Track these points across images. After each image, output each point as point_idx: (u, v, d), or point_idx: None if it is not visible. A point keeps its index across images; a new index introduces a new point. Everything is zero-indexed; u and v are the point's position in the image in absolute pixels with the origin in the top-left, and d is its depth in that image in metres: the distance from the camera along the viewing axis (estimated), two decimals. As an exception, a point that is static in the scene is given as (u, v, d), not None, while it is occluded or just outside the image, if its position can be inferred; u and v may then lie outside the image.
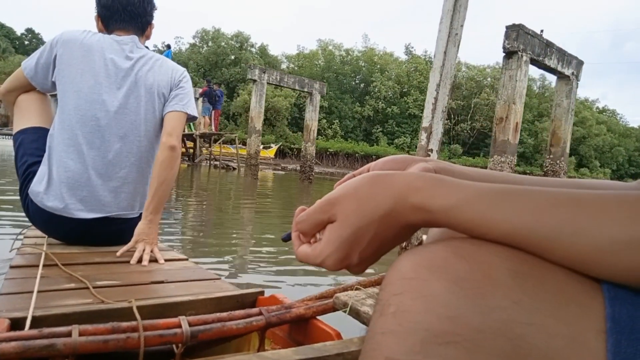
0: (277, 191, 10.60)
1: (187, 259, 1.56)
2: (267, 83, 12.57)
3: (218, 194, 8.46)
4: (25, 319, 0.84)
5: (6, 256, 1.81)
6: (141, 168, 1.60)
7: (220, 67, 35.65)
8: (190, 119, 1.66)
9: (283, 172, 19.87)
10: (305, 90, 13.55)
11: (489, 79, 38.10)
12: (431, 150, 1.29)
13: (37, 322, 0.84)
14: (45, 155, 1.52)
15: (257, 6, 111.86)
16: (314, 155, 13.99)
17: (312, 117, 13.70)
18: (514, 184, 0.50)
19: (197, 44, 38.45)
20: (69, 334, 0.73)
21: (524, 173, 34.42)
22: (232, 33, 38.00)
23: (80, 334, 0.73)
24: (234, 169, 15.88)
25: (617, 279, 0.31)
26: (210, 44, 37.54)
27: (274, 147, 24.97)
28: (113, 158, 1.53)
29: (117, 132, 1.53)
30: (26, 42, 56.25)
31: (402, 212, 0.37)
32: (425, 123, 1.31)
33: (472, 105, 36.51)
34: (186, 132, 15.62)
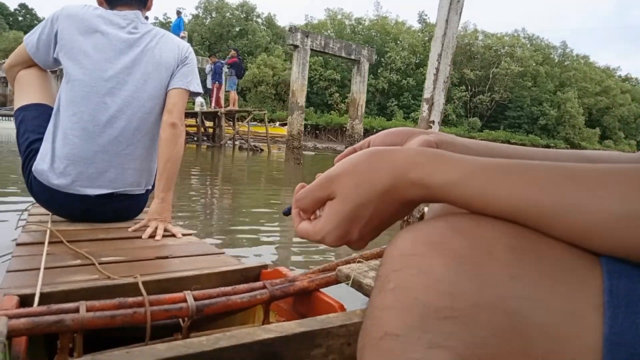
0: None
1: (191, 234, 1.60)
2: (311, 49, 10.93)
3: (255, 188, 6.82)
4: (33, 295, 0.88)
5: (11, 234, 1.87)
6: (147, 145, 1.63)
7: (225, 39, 35.39)
8: (194, 94, 1.68)
9: (314, 153, 18.36)
10: (352, 57, 11.91)
11: (506, 48, 37.22)
12: (433, 122, 1.29)
13: (45, 298, 0.89)
14: (49, 131, 1.55)
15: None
16: (362, 134, 12.38)
17: (359, 90, 12.05)
18: (517, 158, 0.51)
19: (201, 15, 38.08)
20: (76, 310, 0.76)
21: (546, 147, 34.01)
22: (236, 3, 37.53)
23: (88, 310, 0.77)
24: (262, 150, 14.79)
25: (615, 253, 0.32)
26: (214, 14, 37.19)
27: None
28: (119, 134, 1.56)
29: (123, 108, 1.55)
30: (20, 18, 56.30)
31: (401, 188, 0.38)
32: (426, 94, 1.31)
33: (491, 76, 35.85)
34: (205, 109, 14.98)
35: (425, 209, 1.04)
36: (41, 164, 1.53)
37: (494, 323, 0.31)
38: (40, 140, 1.56)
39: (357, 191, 0.40)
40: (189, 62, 1.66)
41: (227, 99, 15.23)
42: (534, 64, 36.81)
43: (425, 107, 1.35)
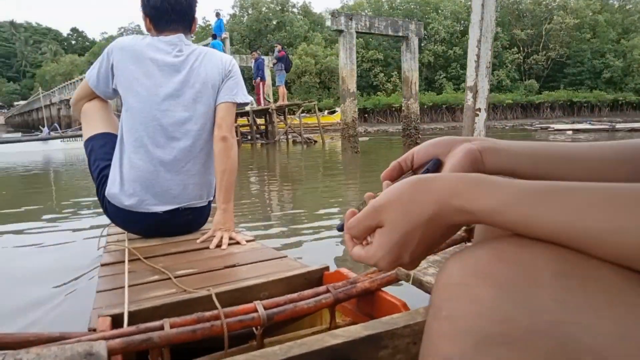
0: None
1: (254, 240, 1.69)
2: (356, 32, 10.47)
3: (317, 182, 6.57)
4: (122, 314, 0.98)
5: (95, 254, 2.05)
6: (203, 160, 1.74)
7: (264, 34, 35.76)
8: (241, 105, 1.76)
9: (367, 138, 17.82)
10: (400, 34, 11.36)
11: (558, 0, 34.88)
12: (479, 110, 1.27)
13: (132, 316, 0.98)
14: (116, 157, 1.69)
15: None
16: (419, 113, 12.05)
17: (411, 67, 11.48)
18: (562, 157, 0.51)
19: (237, 13, 38.68)
20: (161, 327, 0.85)
21: (615, 101, 31.67)
22: (271, -4, 37.73)
23: (171, 327, 0.85)
24: (315, 142, 14.59)
25: None
26: (250, 11, 37.63)
27: (339, 111, 24.52)
28: (177, 153, 1.67)
29: (178, 129, 1.66)
30: (73, 42, 59.91)
31: (446, 215, 0.41)
32: (469, 82, 1.29)
33: (544, 33, 33.82)
34: (255, 107, 14.96)
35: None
36: (112, 189, 1.66)
37: (544, 348, 0.32)
38: (109, 166, 1.70)
39: (404, 220, 0.43)
40: (233, 74, 1.73)
41: (275, 93, 15.28)
42: (591, 14, 34.31)
43: (469, 95, 1.34)
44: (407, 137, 11.73)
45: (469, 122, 1.28)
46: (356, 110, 10.80)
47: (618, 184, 0.35)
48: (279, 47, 14.77)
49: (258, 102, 15.19)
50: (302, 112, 16.77)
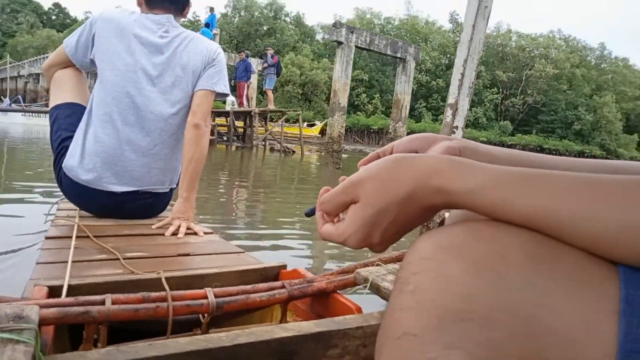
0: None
1: (212, 232, 1.65)
2: (355, 47, 10.35)
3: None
4: (61, 287, 0.93)
5: (41, 227, 1.96)
6: (172, 144, 1.68)
7: (253, 38, 35.75)
8: (220, 95, 1.73)
9: (346, 156, 17.17)
10: (398, 55, 11.38)
11: (541, 49, 36.36)
12: (456, 127, 1.30)
13: (72, 290, 0.93)
14: (80, 129, 1.62)
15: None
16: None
17: (404, 90, 11.45)
18: (540, 166, 0.52)
19: (229, 13, 38.59)
20: (102, 302, 0.80)
21: (581, 153, 33.13)
22: (265, 2, 37.86)
23: (113, 303, 0.80)
24: (293, 152, 14.06)
25: (633, 262, 0.33)
26: (242, 13, 37.62)
27: (319, 125, 23.77)
28: (147, 134, 1.62)
29: (152, 109, 1.61)
30: (53, 17, 58.37)
31: (423, 195, 0.40)
32: (451, 99, 1.32)
33: (524, 78, 35.12)
34: (236, 108, 14.47)
35: (446, 214, 1.04)
36: (71, 160, 1.59)
37: (509, 327, 0.32)
38: (71, 138, 1.63)
39: (379, 196, 0.42)
40: (217, 63, 1.70)
41: (260, 97, 14.85)
42: (569, 66, 35.87)
43: (449, 112, 1.36)
44: None
45: (444, 139, 1.30)
46: (344, 125, 10.62)
47: (592, 174, 0.35)
48: (272, 51, 14.23)
49: (241, 104, 14.75)
50: (285, 120, 16.47)
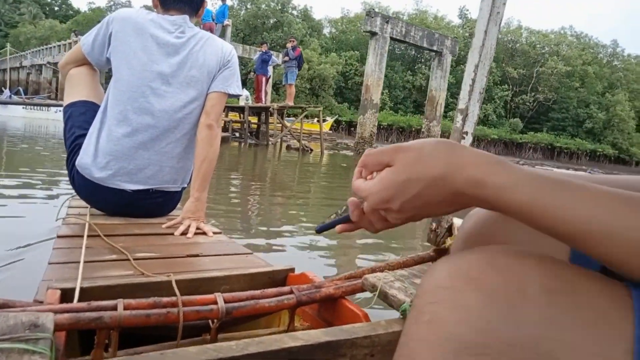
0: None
1: (221, 233, 1.67)
2: (390, 38, 9.55)
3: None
4: (74, 290, 0.95)
5: (52, 224, 1.99)
6: (185, 144, 1.71)
7: (260, 31, 35.70)
8: (233, 96, 1.76)
9: (351, 153, 16.27)
10: (434, 49, 10.62)
11: (552, 46, 36.01)
12: (466, 133, 1.31)
13: (84, 293, 0.95)
14: (94, 127, 1.65)
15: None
16: (439, 137, 11.12)
17: (439, 86, 10.56)
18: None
19: (236, 6, 38.53)
20: (114, 308, 0.82)
21: (593, 152, 32.83)
22: (273, -5, 37.75)
23: (125, 308, 0.82)
24: (311, 150, 13.35)
25: None
26: (249, 5, 37.57)
27: (330, 120, 23.33)
28: (160, 133, 1.65)
29: (166, 109, 1.64)
30: (56, 8, 58.50)
31: (454, 180, 0.41)
32: (461, 105, 1.32)
33: (535, 75, 34.84)
34: (250, 103, 13.86)
35: (455, 221, 1.05)
36: (84, 158, 1.62)
37: None
38: (84, 136, 1.66)
39: (413, 166, 0.44)
40: (231, 65, 1.73)
41: (281, 93, 13.99)
42: (581, 64, 35.54)
43: (459, 117, 1.37)
44: None
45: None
46: (376, 124, 9.90)
47: (627, 191, 0.36)
48: (294, 42, 13.30)
49: (258, 99, 14.09)
50: (290, 116, 15.93)
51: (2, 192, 3.63)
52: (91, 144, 1.63)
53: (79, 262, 1.16)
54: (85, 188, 1.65)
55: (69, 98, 1.77)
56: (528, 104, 35.04)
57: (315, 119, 18.96)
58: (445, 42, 10.60)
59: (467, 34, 35.23)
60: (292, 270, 1.21)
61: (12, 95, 15.97)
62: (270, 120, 14.14)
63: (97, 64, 1.74)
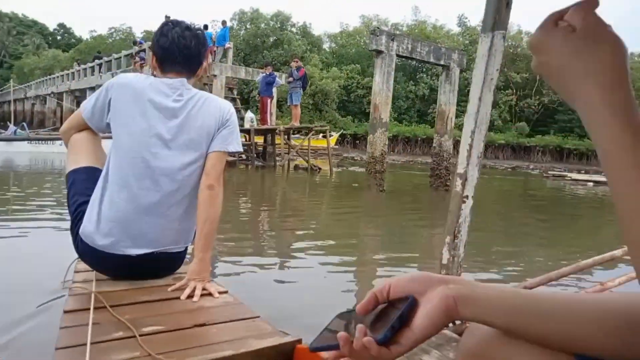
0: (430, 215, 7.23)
1: (227, 292, 1.67)
2: (397, 55, 9.45)
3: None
4: None
5: (58, 285, 2.01)
6: (187, 205, 1.72)
7: (260, 50, 36.03)
8: (233, 153, 1.78)
9: (359, 169, 16.29)
10: (441, 63, 10.46)
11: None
12: (467, 197, 1.32)
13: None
14: (97, 194, 1.67)
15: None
16: (451, 152, 10.64)
17: (449, 101, 10.32)
18: (538, 314, 0.56)
19: (235, 26, 38.98)
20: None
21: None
22: (271, 13, 38.18)
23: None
24: (320, 169, 13.39)
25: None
26: (249, 26, 37.96)
27: (335, 135, 23.08)
28: (162, 197, 1.66)
29: (167, 172, 1.66)
30: (58, 37, 59.55)
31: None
32: (460, 169, 1.33)
33: (538, 78, 34.79)
34: (255, 125, 14.05)
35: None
36: (88, 226, 1.64)
37: None
38: (88, 202, 1.68)
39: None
40: (230, 124, 1.74)
41: (286, 113, 13.98)
42: (585, 64, 35.45)
43: (458, 182, 1.38)
44: (436, 178, 10.50)
45: (455, 208, 1.32)
46: (386, 142, 9.62)
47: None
48: (299, 63, 13.57)
49: (263, 121, 14.26)
50: (296, 133, 15.82)
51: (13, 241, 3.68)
52: (94, 211, 1.65)
53: (85, 344, 1.17)
54: (90, 255, 1.67)
55: (71, 165, 1.80)
56: (533, 107, 34.92)
57: (321, 135, 18.99)
58: (452, 56, 10.47)
59: (467, 42, 35.36)
60: (299, 341, 1.21)
61: (17, 130, 16.12)
62: (277, 139, 14.15)
63: (97, 128, 1.77)
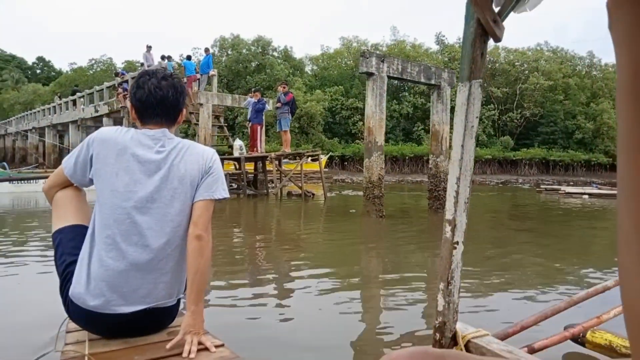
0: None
1: (223, 345, 1.65)
2: (388, 77, 9.34)
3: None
4: None
5: (47, 339, 1.96)
6: (177, 257, 1.71)
7: (243, 75, 36.26)
8: (219, 200, 1.76)
9: (352, 192, 16.38)
10: (432, 82, 10.39)
11: (531, 63, 36.90)
12: (457, 243, 1.35)
13: None
14: (84, 253, 1.65)
15: (276, 8, 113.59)
16: (449, 172, 10.28)
17: (442, 120, 10.31)
18: None
19: (217, 53, 39.25)
20: None
21: (587, 162, 33.06)
22: (252, 38, 38.57)
23: None
24: (313, 195, 13.25)
25: None
26: (230, 51, 38.24)
27: (324, 158, 22.21)
28: (151, 252, 1.65)
29: (153, 226, 1.65)
30: (38, 71, 59.27)
31: None
32: (448, 216, 1.36)
33: (518, 92, 35.53)
34: (245, 153, 13.83)
35: (458, 326, 1.06)
36: (77, 287, 1.62)
37: None
38: (76, 262, 1.66)
39: None
40: (213, 171, 1.74)
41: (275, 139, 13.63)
42: (562, 77, 36.33)
43: (448, 228, 1.39)
44: (434, 200, 10.38)
45: (446, 254, 1.34)
46: (383, 166, 9.35)
47: None
48: (286, 87, 13.51)
49: (253, 147, 13.95)
50: (293, 157, 15.62)
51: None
52: (83, 271, 1.63)
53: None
54: (81, 316, 1.65)
55: (57, 224, 1.78)
56: (516, 120, 35.51)
57: (310, 158, 18.92)
58: (443, 75, 10.44)
59: (446, 59, 36.02)
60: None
61: None
62: (268, 166, 13.87)
63: (80, 184, 1.77)
